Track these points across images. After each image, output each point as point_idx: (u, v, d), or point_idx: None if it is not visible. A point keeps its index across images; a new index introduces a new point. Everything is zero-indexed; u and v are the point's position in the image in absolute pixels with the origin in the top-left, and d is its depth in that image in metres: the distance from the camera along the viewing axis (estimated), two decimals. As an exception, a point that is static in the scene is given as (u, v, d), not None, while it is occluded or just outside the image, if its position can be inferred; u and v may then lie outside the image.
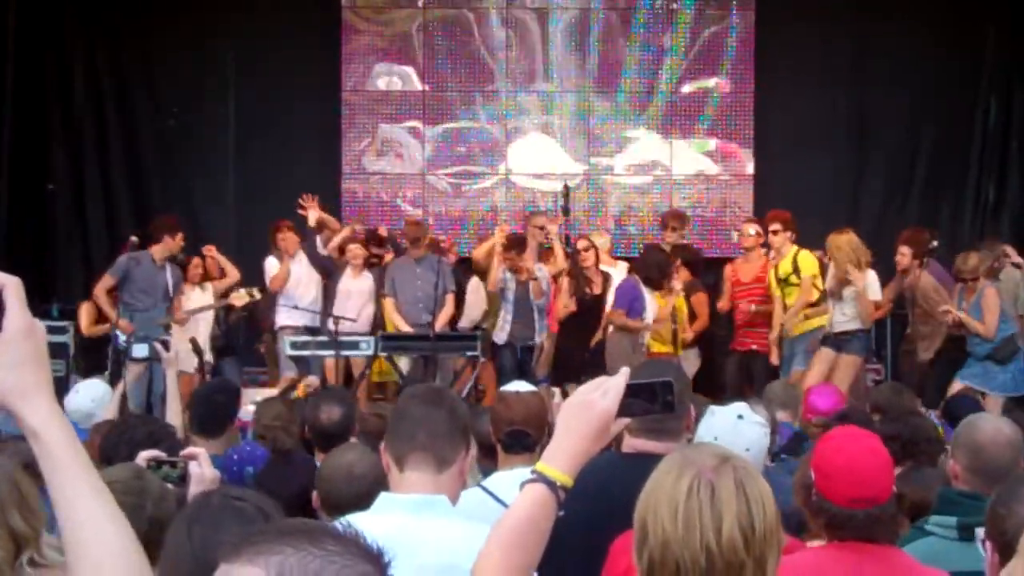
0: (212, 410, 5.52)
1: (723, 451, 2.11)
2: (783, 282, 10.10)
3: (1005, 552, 2.71)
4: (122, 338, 9.73)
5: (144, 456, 3.33)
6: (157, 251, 10.10)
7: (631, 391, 2.18)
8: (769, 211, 10.86)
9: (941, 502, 3.70)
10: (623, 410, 2.17)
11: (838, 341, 9.72)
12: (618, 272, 10.76)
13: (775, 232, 10.24)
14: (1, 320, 1.68)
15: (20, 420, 1.70)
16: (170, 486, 3.21)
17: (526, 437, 4.18)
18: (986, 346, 9.50)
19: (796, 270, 10.00)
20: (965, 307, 9.59)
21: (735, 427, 3.66)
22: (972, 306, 9.55)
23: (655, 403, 2.21)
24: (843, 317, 9.72)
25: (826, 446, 3.18)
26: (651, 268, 10.03)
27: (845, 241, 9.65)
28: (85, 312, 11.04)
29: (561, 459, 2.17)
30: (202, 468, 3.26)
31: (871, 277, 9.72)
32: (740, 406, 3.78)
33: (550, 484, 2.14)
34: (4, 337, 1.68)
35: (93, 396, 6.34)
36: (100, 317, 10.85)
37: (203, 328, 10.80)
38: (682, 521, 2.00)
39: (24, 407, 1.70)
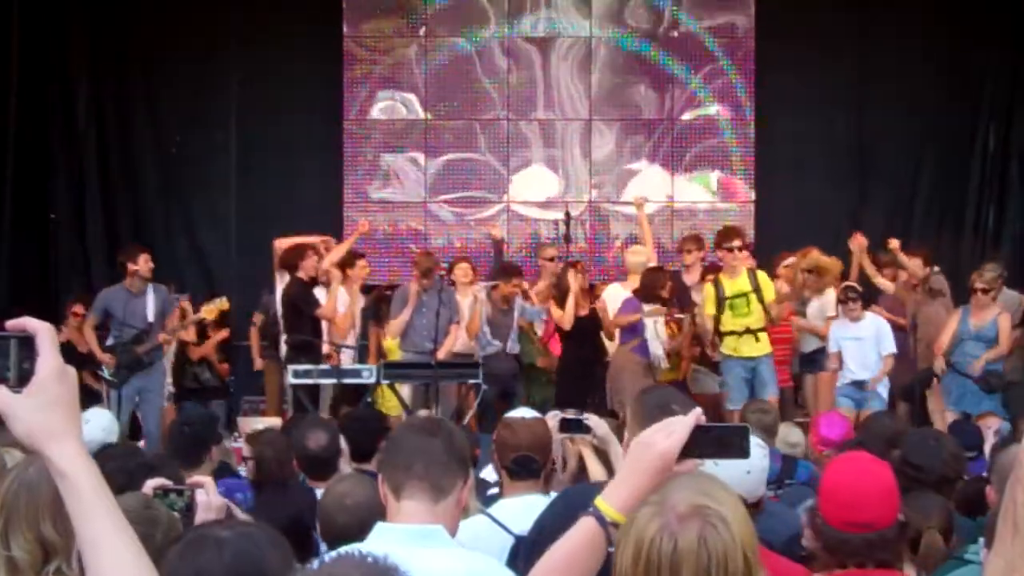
0: (187, 440, 5.55)
1: (703, 496, 2.03)
2: (739, 297, 9.68)
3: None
4: (107, 372, 9.82)
5: (151, 484, 3.32)
6: (128, 281, 10.14)
7: (702, 432, 2.17)
8: (755, 237, 10.85)
9: (981, 530, 3.65)
10: (691, 451, 2.17)
11: (811, 360, 10.02)
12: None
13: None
14: (35, 364, 1.77)
15: (48, 460, 1.76)
16: (176, 515, 3.20)
17: (532, 463, 4.18)
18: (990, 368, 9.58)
19: (757, 288, 9.71)
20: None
21: None
22: (988, 326, 9.62)
23: (730, 448, 2.20)
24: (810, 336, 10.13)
25: (830, 469, 3.21)
26: (642, 288, 10.09)
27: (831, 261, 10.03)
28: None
29: (618, 497, 2.19)
30: (208, 496, 3.24)
31: (831, 296, 10.01)
32: None
33: (602, 520, 2.18)
34: (37, 380, 1.76)
35: (103, 426, 6.31)
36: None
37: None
38: (642, 570, 2.00)
39: (53, 448, 1.76)
